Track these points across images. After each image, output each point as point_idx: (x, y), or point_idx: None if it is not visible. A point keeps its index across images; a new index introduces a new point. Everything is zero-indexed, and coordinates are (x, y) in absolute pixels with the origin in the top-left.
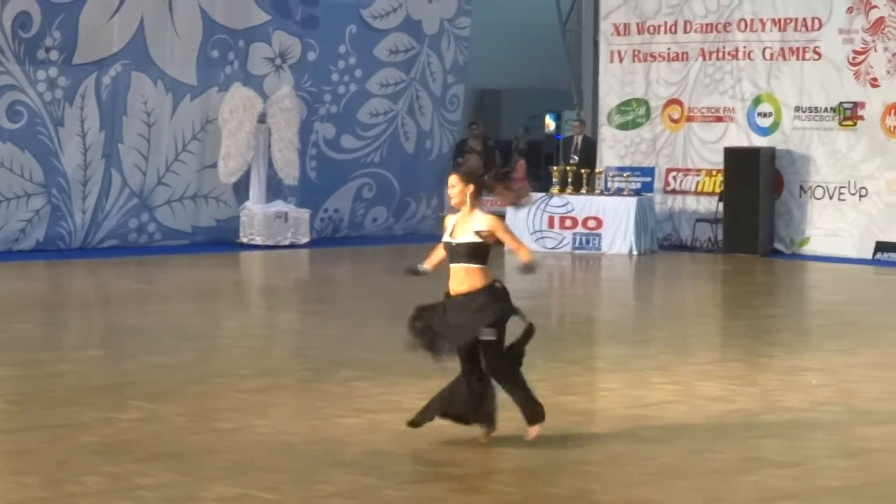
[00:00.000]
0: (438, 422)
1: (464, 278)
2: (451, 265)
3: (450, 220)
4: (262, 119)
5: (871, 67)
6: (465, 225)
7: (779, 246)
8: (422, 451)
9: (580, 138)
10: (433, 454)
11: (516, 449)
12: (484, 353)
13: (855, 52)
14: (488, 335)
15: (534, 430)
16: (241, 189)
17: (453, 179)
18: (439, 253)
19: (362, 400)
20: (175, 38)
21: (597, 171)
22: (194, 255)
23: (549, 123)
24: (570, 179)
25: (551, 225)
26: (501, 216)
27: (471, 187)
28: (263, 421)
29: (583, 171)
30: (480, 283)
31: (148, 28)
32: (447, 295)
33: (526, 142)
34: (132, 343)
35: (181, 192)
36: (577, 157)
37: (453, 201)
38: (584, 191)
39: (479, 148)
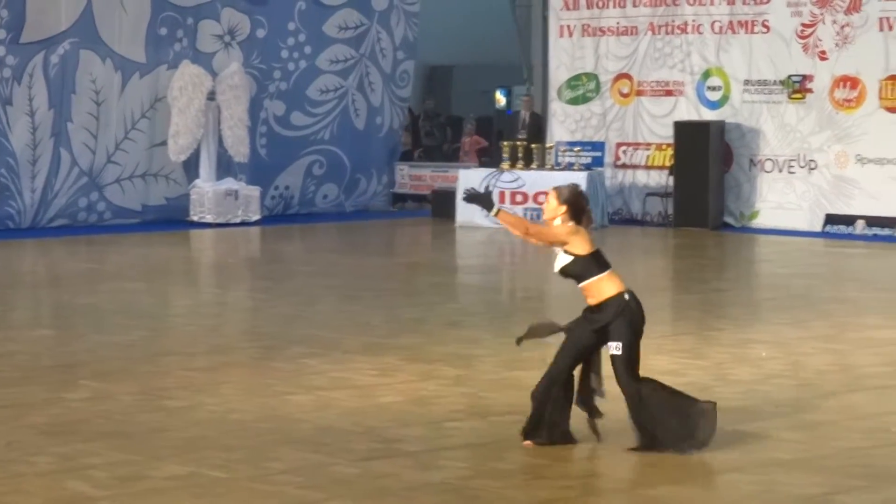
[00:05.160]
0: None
1: (589, 295)
2: None
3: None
4: (211, 96)
5: (820, 40)
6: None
7: (729, 219)
8: (373, 428)
9: (528, 114)
10: (384, 431)
11: (467, 424)
12: (614, 367)
13: (803, 25)
14: (616, 348)
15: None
16: (191, 167)
17: (550, 195)
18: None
19: (313, 377)
20: (123, 15)
21: (547, 145)
22: (144, 233)
23: (500, 99)
24: (520, 155)
25: (502, 200)
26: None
27: (563, 207)
28: (214, 399)
29: (533, 146)
30: (602, 297)
31: (96, 6)
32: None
33: (475, 118)
34: (82, 322)
35: (131, 170)
36: (524, 133)
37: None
38: (534, 166)
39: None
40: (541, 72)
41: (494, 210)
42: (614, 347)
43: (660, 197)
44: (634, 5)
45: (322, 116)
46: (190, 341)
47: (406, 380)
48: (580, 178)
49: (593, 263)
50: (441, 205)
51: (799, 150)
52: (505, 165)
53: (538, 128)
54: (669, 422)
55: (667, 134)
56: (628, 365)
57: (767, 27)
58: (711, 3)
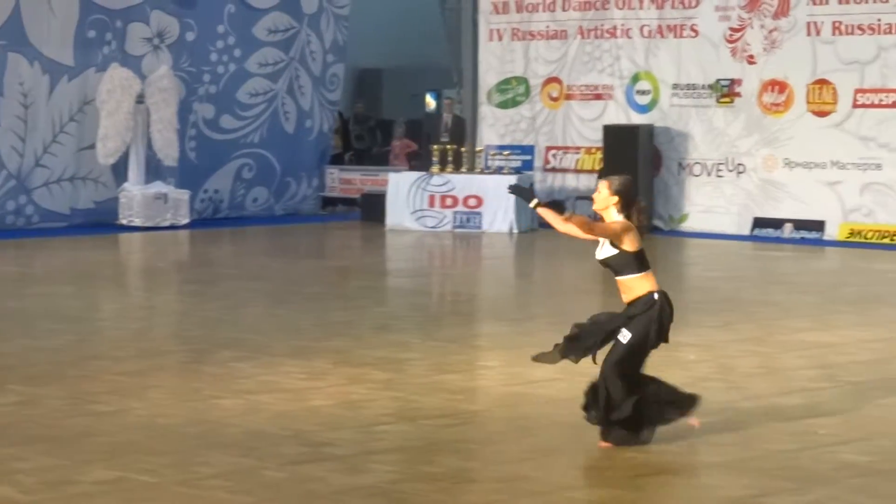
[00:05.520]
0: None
1: (623, 290)
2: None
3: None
4: (140, 99)
5: (748, 44)
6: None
7: (658, 223)
8: (302, 432)
9: (450, 116)
10: (314, 435)
11: (396, 428)
12: (610, 350)
13: (732, 29)
14: (623, 336)
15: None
16: (119, 170)
17: (601, 185)
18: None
19: (242, 381)
20: (52, 18)
21: (477, 149)
22: (73, 237)
23: (430, 102)
24: (450, 158)
25: (432, 204)
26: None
27: (615, 198)
28: (142, 403)
29: (463, 149)
30: (635, 295)
31: (24, 8)
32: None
33: (405, 121)
34: (10, 326)
35: (59, 173)
36: (447, 136)
37: (595, 206)
38: (464, 169)
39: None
40: (471, 75)
41: (534, 203)
42: (622, 335)
43: (589, 200)
44: (564, 9)
45: (252, 120)
46: (118, 345)
47: (335, 383)
48: (510, 182)
49: (635, 261)
50: (371, 208)
51: (727, 154)
52: (435, 169)
53: (461, 131)
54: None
55: (596, 137)
56: (623, 358)
57: (696, 31)
58: (640, 8)
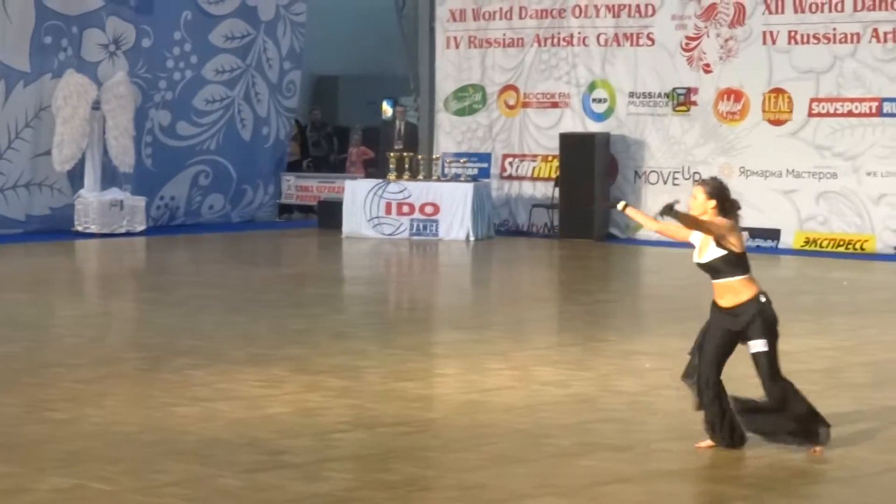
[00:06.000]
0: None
1: (723, 294)
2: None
3: (695, 238)
4: (96, 106)
5: (704, 53)
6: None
7: (614, 231)
8: (259, 440)
9: (402, 123)
10: (270, 442)
11: (353, 435)
12: (757, 366)
13: (688, 38)
14: (759, 345)
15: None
16: (75, 177)
17: (696, 191)
18: (666, 225)
19: (198, 388)
20: (7, 23)
21: (434, 157)
22: (28, 243)
23: (387, 110)
24: (406, 166)
25: (388, 211)
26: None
27: (713, 202)
28: (98, 411)
29: (420, 157)
30: (739, 300)
31: None
32: (714, 306)
33: (362, 129)
34: None
35: (14, 180)
36: (400, 143)
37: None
38: (420, 177)
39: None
40: (427, 83)
41: (622, 205)
42: (760, 345)
43: (546, 208)
44: (521, 17)
45: (208, 126)
46: (74, 352)
47: (292, 391)
48: (466, 190)
49: (742, 262)
50: (328, 215)
51: (683, 163)
52: (391, 176)
53: (413, 138)
54: (794, 422)
55: (552, 145)
56: (772, 362)
57: (652, 40)
58: (597, 16)
